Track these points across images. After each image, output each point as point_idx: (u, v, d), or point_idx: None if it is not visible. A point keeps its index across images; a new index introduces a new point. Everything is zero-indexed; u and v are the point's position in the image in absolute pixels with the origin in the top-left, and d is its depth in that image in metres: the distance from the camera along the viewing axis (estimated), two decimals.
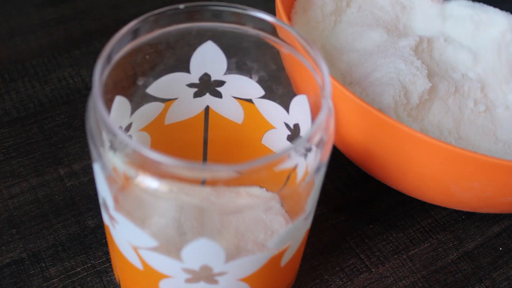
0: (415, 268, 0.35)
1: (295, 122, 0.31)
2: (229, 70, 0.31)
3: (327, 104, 0.24)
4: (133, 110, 0.31)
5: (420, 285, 0.35)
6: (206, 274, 0.26)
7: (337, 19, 0.41)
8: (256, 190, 0.33)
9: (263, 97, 0.32)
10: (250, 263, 0.26)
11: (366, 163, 0.34)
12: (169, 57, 0.30)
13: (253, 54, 0.30)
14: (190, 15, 0.28)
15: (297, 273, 0.34)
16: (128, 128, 0.31)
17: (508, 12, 0.43)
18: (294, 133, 0.32)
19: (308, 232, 0.30)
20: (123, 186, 0.24)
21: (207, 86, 0.32)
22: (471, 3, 0.44)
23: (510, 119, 0.38)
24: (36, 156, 0.39)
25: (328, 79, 0.25)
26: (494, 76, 0.41)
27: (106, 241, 0.35)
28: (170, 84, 0.31)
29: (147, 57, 0.29)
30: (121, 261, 0.29)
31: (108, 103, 0.28)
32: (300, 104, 0.30)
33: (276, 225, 0.31)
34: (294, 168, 0.28)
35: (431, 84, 0.36)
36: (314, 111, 0.29)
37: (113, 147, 0.24)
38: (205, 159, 0.35)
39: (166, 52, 0.30)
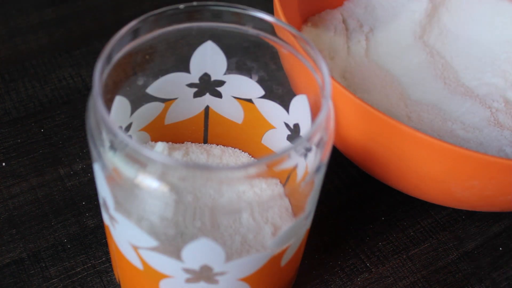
0: (415, 268, 0.35)
1: (295, 122, 0.31)
2: (229, 70, 0.31)
3: (327, 104, 0.24)
4: (133, 110, 0.31)
5: (420, 285, 0.35)
6: (206, 274, 0.26)
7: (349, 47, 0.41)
8: (257, 189, 0.33)
9: (263, 97, 0.32)
10: (250, 263, 0.26)
11: (366, 163, 0.34)
12: (169, 57, 0.30)
13: (253, 54, 0.30)
14: (190, 15, 0.28)
15: (297, 273, 0.34)
16: (128, 128, 0.31)
17: None
18: (294, 133, 0.32)
19: (308, 232, 0.30)
20: (123, 186, 0.24)
21: (207, 86, 0.32)
22: None
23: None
24: (36, 156, 0.39)
25: (328, 79, 0.25)
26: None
27: (106, 241, 0.35)
28: (170, 84, 0.31)
29: (147, 57, 0.29)
30: (121, 261, 0.29)
31: (108, 103, 0.28)
32: (300, 104, 0.30)
33: (276, 224, 0.31)
34: (294, 168, 0.28)
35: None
36: (314, 111, 0.29)
37: (113, 147, 0.23)
38: None
39: (166, 52, 0.30)
